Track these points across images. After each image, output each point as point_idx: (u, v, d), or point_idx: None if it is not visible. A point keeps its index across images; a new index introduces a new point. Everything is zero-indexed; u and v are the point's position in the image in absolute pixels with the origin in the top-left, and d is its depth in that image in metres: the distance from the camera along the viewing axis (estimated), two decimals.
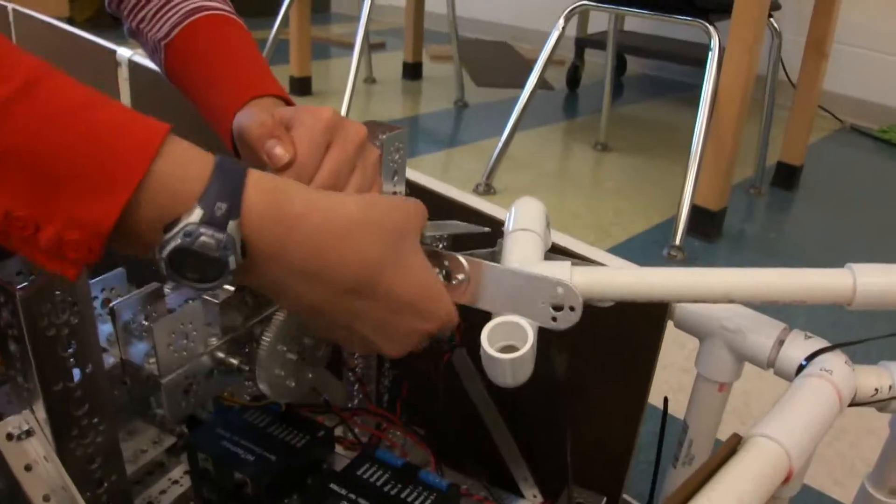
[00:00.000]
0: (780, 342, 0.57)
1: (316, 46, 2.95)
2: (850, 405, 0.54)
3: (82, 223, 0.35)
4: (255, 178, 0.40)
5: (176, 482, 0.60)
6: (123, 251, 0.38)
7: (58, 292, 0.38)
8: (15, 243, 0.36)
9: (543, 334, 0.58)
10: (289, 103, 0.60)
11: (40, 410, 0.41)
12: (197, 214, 0.37)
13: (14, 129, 0.34)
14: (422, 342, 0.49)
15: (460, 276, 0.50)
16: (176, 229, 0.37)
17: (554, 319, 0.49)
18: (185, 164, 0.38)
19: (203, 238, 0.37)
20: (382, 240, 0.44)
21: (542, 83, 1.96)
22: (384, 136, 0.59)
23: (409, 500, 0.52)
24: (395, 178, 0.61)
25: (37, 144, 0.34)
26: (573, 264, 0.53)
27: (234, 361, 0.50)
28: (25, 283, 0.37)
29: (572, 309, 0.48)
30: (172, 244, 0.37)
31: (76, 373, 0.41)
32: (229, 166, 0.39)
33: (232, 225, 0.38)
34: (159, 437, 0.58)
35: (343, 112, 2.14)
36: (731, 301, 0.53)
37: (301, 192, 0.42)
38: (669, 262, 1.66)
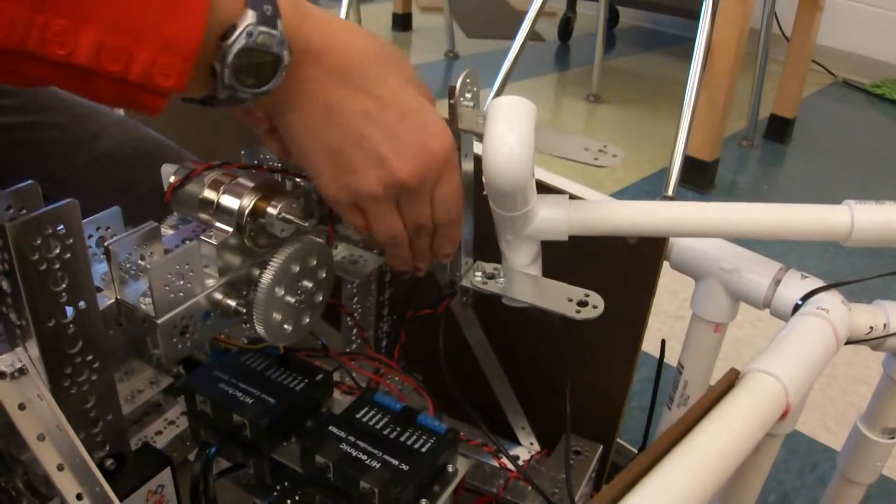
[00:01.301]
0: (777, 282, 0.58)
1: None
2: (846, 343, 0.55)
3: (174, 43, 0.37)
4: None
5: (172, 423, 0.60)
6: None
7: (49, 227, 0.38)
8: (101, 83, 0.37)
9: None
10: None
11: (33, 348, 0.40)
12: (251, 16, 0.40)
13: None
14: (432, 165, 0.49)
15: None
16: (238, 32, 0.40)
17: (577, 312, 0.53)
18: None
19: (262, 37, 0.40)
20: (378, 41, 0.49)
21: (533, 35, 1.94)
22: None
23: (409, 443, 0.52)
24: None
25: None
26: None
27: (232, 303, 0.49)
28: (13, 217, 0.37)
29: (595, 307, 0.53)
30: (238, 45, 0.40)
31: (69, 310, 0.41)
32: None
33: (280, 23, 0.41)
34: (156, 377, 0.58)
35: None
36: (728, 235, 0.53)
37: None
38: None
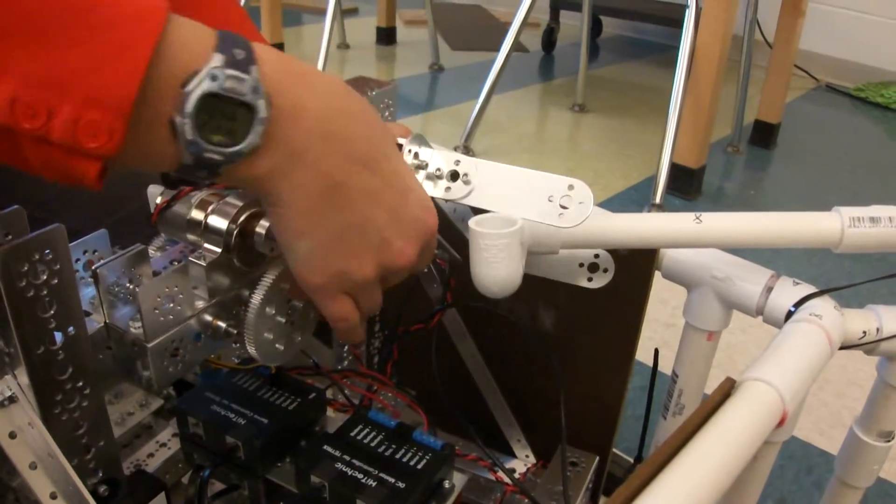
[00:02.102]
0: (769, 289, 0.57)
1: (287, 13, 2.90)
2: (840, 349, 0.55)
3: (102, 97, 0.32)
4: (256, 42, 0.38)
5: (164, 445, 0.59)
6: (132, 156, 0.34)
7: (36, 252, 0.37)
8: (23, 144, 0.32)
9: (532, 289, 0.58)
10: None
11: (22, 375, 0.40)
12: (218, 59, 0.34)
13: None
14: (428, 242, 0.47)
15: None
16: (200, 75, 0.34)
17: (589, 280, 0.52)
18: (194, 25, 0.35)
19: (230, 81, 0.34)
20: (372, 107, 0.44)
21: (517, 46, 1.95)
22: (373, 93, 0.57)
23: (404, 460, 0.51)
24: None
25: (38, 15, 0.31)
26: None
27: (223, 325, 0.49)
28: (2, 243, 0.36)
29: (605, 271, 0.52)
30: (199, 90, 0.34)
31: (58, 336, 0.40)
32: (229, 32, 0.37)
33: (254, 69, 0.35)
34: (146, 399, 0.57)
35: None
36: (721, 246, 0.53)
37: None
38: None
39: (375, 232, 0.43)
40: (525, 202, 0.48)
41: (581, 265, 0.52)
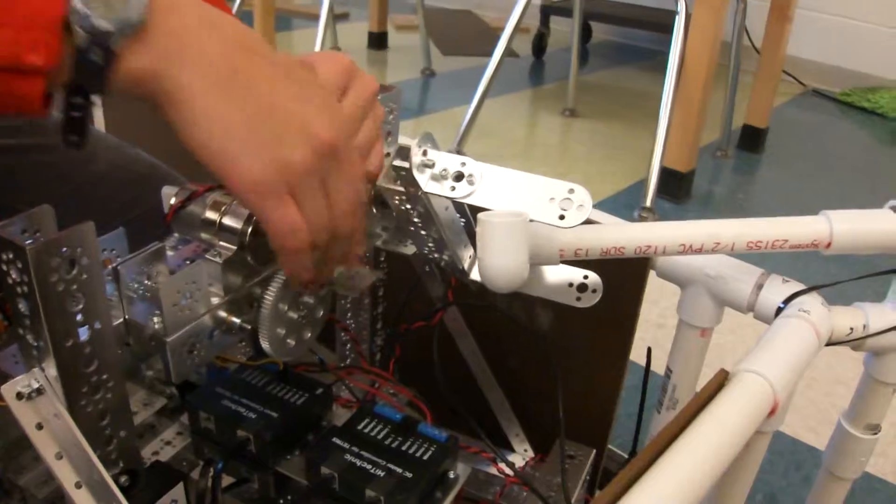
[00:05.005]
0: (759, 286, 0.60)
1: (279, 18, 2.92)
2: (828, 344, 0.57)
3: (35, 15, 0.36)
4: None
5: (168, 443, 0.60)
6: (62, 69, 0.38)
7: (67, 248, 0.39)
8: None
9: None
10: None
11: (51, 368, 0.41)
12: None
13: None
14: (347, 125, 0.47)
15: None
16: None
17: (578, 300, 0.54)
18: None
19: None
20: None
21: (508, 51, 1.97)
22: (378, 97, 0.59)
23: (411, 451, 0.53)
24: (389, 138, 0.62)
25: None
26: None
27: (236, 321, 0.50)
28: (32, 240, 0.38)
29: (594, 292, 0.54)
30: None
31: (85, 330, 0.42)
32: None
33: None
34: (149, 398, 0.58)
35: None
36: (716, 251, 0.54)
37: None
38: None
39: (290, 113, 0.43)
40: (527, 203, 0.50)
41: (570, 285, 0.54)
